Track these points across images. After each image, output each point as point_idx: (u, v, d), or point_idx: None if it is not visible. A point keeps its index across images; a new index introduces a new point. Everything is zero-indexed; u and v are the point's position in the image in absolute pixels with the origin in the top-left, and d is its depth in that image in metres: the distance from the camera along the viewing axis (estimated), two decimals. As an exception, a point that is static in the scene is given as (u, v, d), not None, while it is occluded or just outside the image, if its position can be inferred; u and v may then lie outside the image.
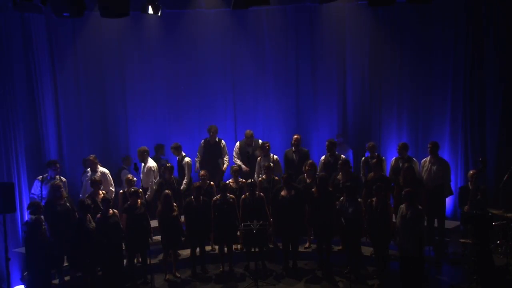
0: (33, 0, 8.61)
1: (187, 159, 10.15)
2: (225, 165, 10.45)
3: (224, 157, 10.50)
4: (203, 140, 10.57)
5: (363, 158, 9.86)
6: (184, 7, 11.07)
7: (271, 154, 9.90)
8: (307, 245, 9.42)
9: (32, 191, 9.01)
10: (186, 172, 10.08)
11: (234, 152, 10.50)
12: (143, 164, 9.85)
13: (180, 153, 10.25)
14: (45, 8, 9.08)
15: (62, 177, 9.14)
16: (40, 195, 8.80)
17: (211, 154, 10.46)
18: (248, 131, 10.51)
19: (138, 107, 11.25)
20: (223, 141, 10.57)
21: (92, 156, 9.47)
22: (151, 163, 9.94)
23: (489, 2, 9.97)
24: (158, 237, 8.92)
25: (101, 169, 9.46)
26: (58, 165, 9.08)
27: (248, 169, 10.09)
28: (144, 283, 8.42)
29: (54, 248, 8.09)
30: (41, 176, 9.01)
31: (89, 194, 8.70)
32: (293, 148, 9.97)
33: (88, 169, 9.49)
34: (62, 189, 8.45)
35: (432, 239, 8.67)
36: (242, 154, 10.28)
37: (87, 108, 10.87)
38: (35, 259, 7.79)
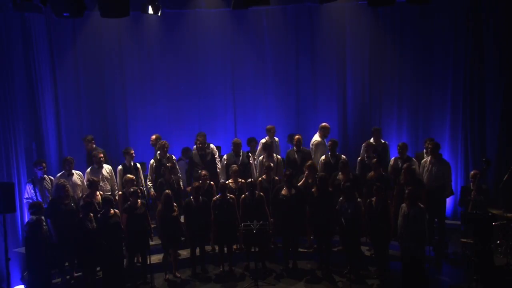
0: (33, 0, 8.61)
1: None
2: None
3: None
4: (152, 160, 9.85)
5: (359, 158, 9.87)
6: (184, 7, 11.08)
7: (275, 155, 9.88)
8: (307, 245, 9.42)
9: (26, 195, 8.71)
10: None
11: (220, 166, 9.93)
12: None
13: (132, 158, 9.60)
14: (45, 8, 9.07)
15: (50, 177, 9.03)
16: (35, 197, 8.57)
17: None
18: (235, 139, 10.05)
19: (138, 107, 11.26)
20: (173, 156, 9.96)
21: (69, 157, 9.16)
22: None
23: (489, 1, 9.97)
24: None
25: (76, 171, 9.15)
26: (44, 164, 8.92)
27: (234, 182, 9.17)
28: (144, 283, 8.42)
29: (56, 248, 8.08)
30: (30, 179, 8.85)
31: (87, 195, 8.61)
32: (295, 148, 9.96)
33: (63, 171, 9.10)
34: (68, 188, 8.42)
35: (432, 239, 8.67)
36: (228, 167, 9.46)
37: (87, 107, 10.88)
38: (35, 259, 7.79)
